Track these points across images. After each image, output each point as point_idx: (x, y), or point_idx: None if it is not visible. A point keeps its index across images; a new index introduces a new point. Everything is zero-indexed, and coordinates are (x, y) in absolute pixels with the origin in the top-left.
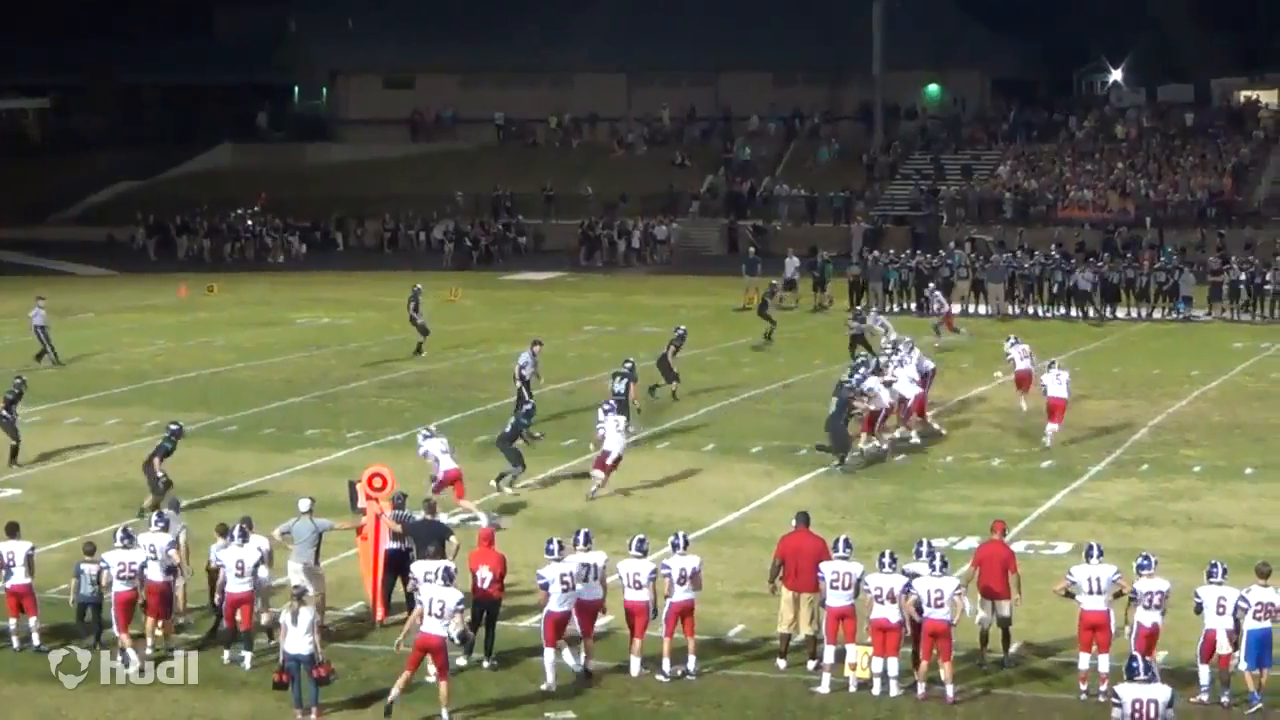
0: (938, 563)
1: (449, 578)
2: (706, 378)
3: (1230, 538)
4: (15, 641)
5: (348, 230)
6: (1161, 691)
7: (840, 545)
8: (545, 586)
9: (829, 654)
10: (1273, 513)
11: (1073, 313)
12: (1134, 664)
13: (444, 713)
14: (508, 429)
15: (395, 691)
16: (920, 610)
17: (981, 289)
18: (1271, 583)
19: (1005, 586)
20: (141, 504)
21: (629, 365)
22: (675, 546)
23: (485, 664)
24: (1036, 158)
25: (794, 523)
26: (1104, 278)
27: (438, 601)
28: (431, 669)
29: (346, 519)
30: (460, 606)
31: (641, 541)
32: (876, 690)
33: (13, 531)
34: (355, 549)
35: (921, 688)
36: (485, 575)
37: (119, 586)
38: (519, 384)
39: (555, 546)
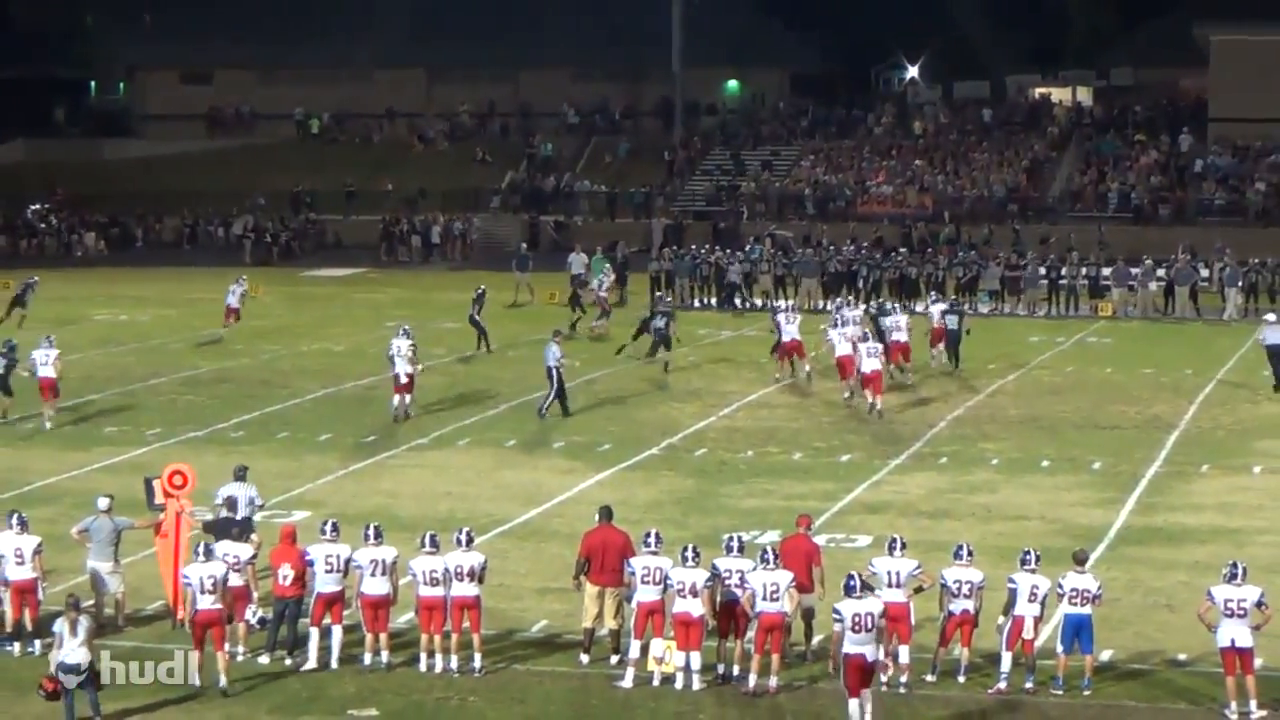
0: (770, 556)
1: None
2: (509, 373)
3: (1028, 529)
4: None
5: (147, 226)
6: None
7: (651, 540)
8: (311, 564)
9: (634, 649)
10: (1069, 504)
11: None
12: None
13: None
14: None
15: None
16: (753, 603)
17: (784, 284)
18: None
19: (810, 580)
20: None
21: None
22: (459, 543)
23: (288, 662)
24: (836, 154)
25: (597, 518)
26: (903, 273)
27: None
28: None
29: (145, 517)
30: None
31: (434, 537)
32: (680, 684)
33: None
34: (155, 547)
35: (753, 679)
36: (286, 573)
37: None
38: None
39: (329, 528)
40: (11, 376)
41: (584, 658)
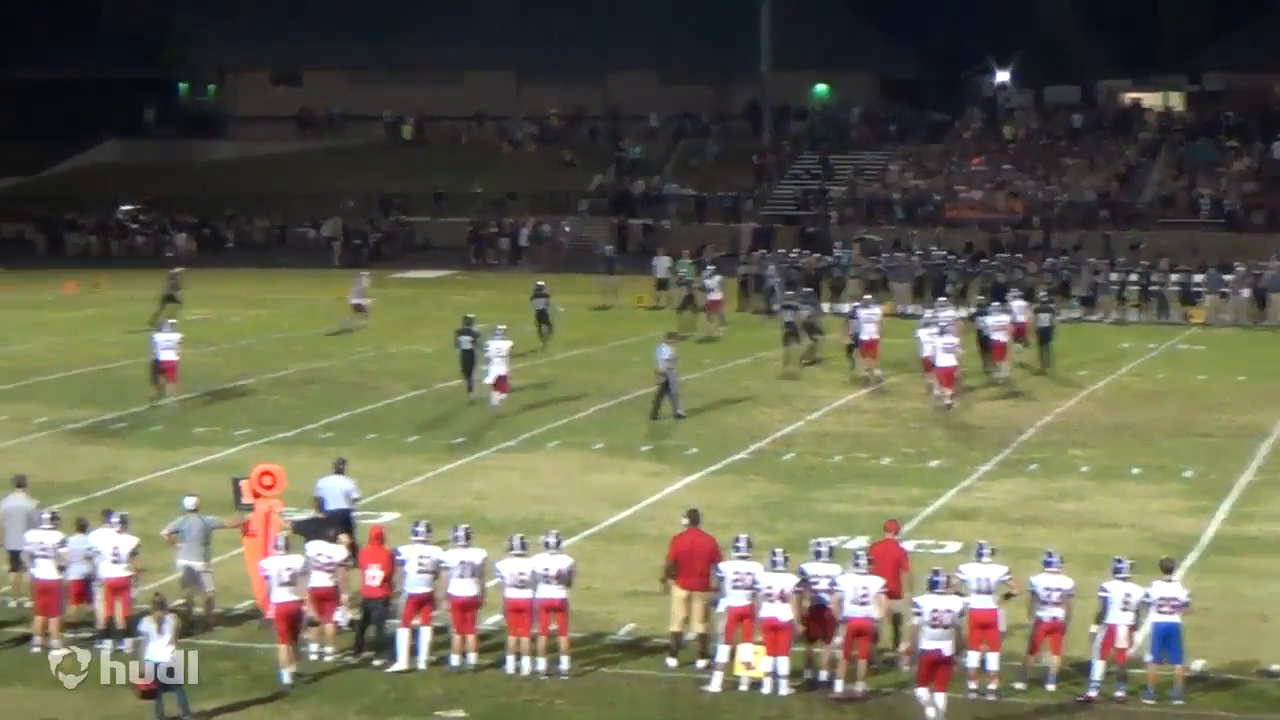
0: (863, 561)
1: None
2: (597, 376)
3: (1117, 537)
4: None
5: (237, 227)
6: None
7: (741, 544)
8: (402, 565)
9: (722, 653)
10: (1159, 512)
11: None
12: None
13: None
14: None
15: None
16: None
17: (877, 289)
18: (1175, 578)
19: (899, 586)
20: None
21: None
22: (547, 546)
23: (376, 663)
24: (925, 158)
25: (685, 522)
26: (993, 279)
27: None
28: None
29: (234, 516)
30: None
31: (521, 540)
32: (767, 689)
33: None
34: (243, 547)
35: (840, 685)
36: (375, 574)
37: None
38: (663, 377)
39: (421, 529)
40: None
41: (671, 661)
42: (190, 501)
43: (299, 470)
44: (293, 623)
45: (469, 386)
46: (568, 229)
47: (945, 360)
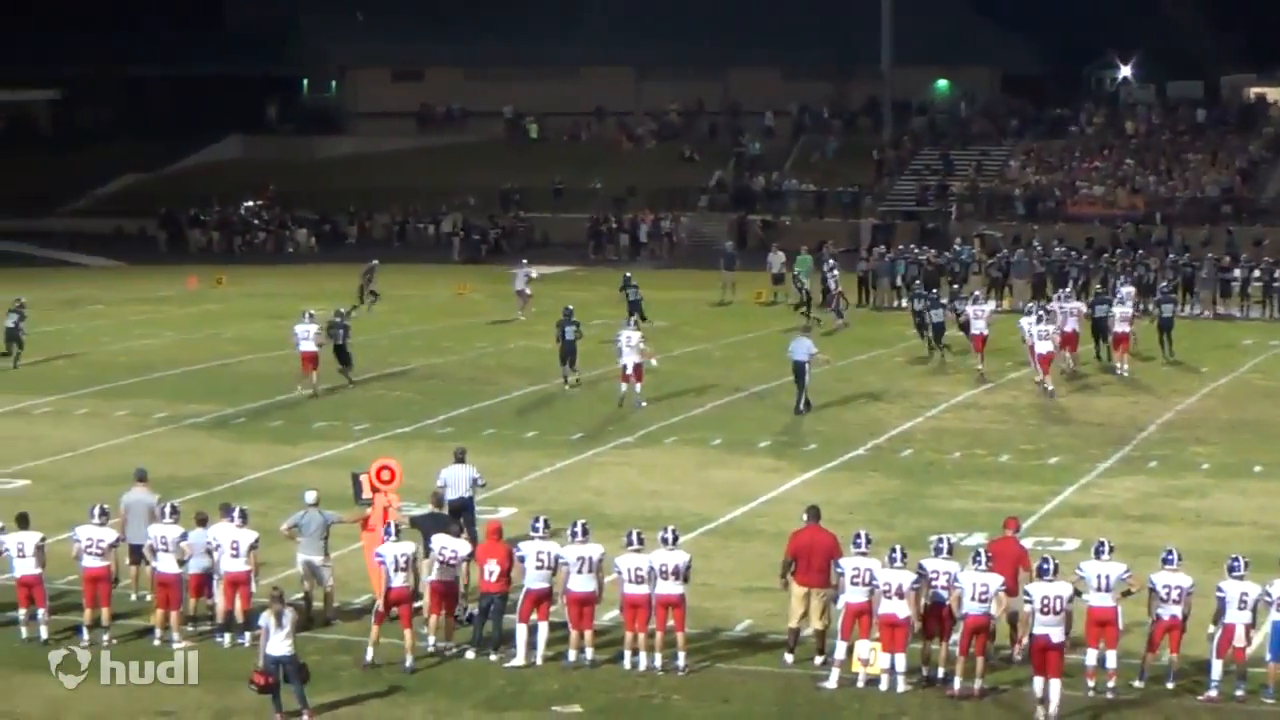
0: (983, 558)
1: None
2: (714, 372)
3: (1239, 535)
4: (24, 632)
5: (358, 223)
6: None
7: (861, 540)
8: (521, 560)
9: (839, 649)
10: None
11: None
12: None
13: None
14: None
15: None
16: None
17: (998, 285)
18: None
19: (1017, 583)
20: None
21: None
22: (664, 541)
23: (493, 657)
24: (1046, 154)
25: (804, 518)
26: (1113, 273)
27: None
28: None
29: (352, 511)
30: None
31: (639, 535)
32: (884, 686)
33: (23, 522)
34: (361, 542)
35: (958, 682)
36: (493, 569)
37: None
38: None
39: (540, 525)
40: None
41: (788, 658)
42: (311, 496)
43: (417, 465)
44: (407, 608)
45: (564, 376)
46: (687, 224)
47: (1043, 347)
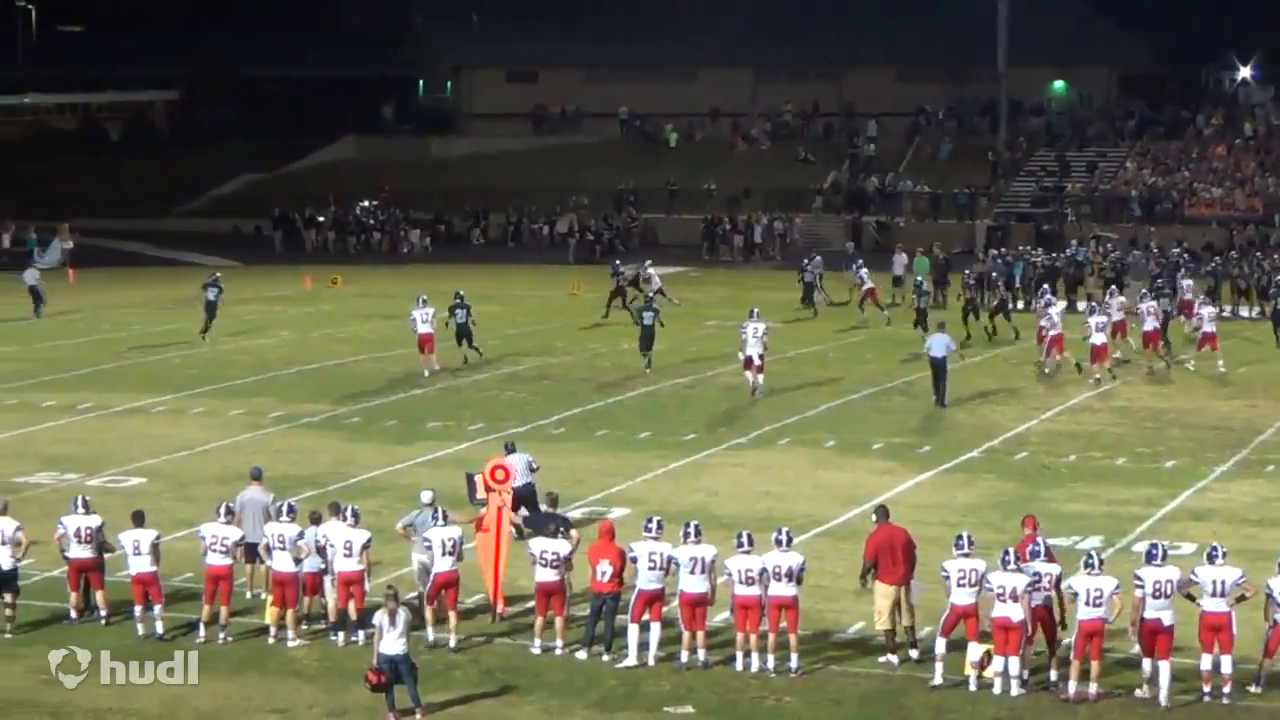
0: (1095, 562)
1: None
2: (828, 373)
3: None
4: (140, 628)
5: (473, 223)
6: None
7: (964, 542)
8: (634, 560)
9: (940, 645)
10: None
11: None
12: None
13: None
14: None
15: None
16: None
17: (1115, 287)
18: None
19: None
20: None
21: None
22: (778, 543)
23: (605, 658)
24: (1163, 155)
25: (874, 519)
26: (1226, 275)
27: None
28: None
29: (466, 511)
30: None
31: (750, 536)
32: (998, 690)
33: (139, 520)
34: (475, 542)
35: (1073, 686)
36: (605, 569)
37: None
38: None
39: (653, 525)
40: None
41: (893, 659)
42: (427, 495)
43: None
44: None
45: (647, 363)
46: (801, 225)
47: (1097, 339)
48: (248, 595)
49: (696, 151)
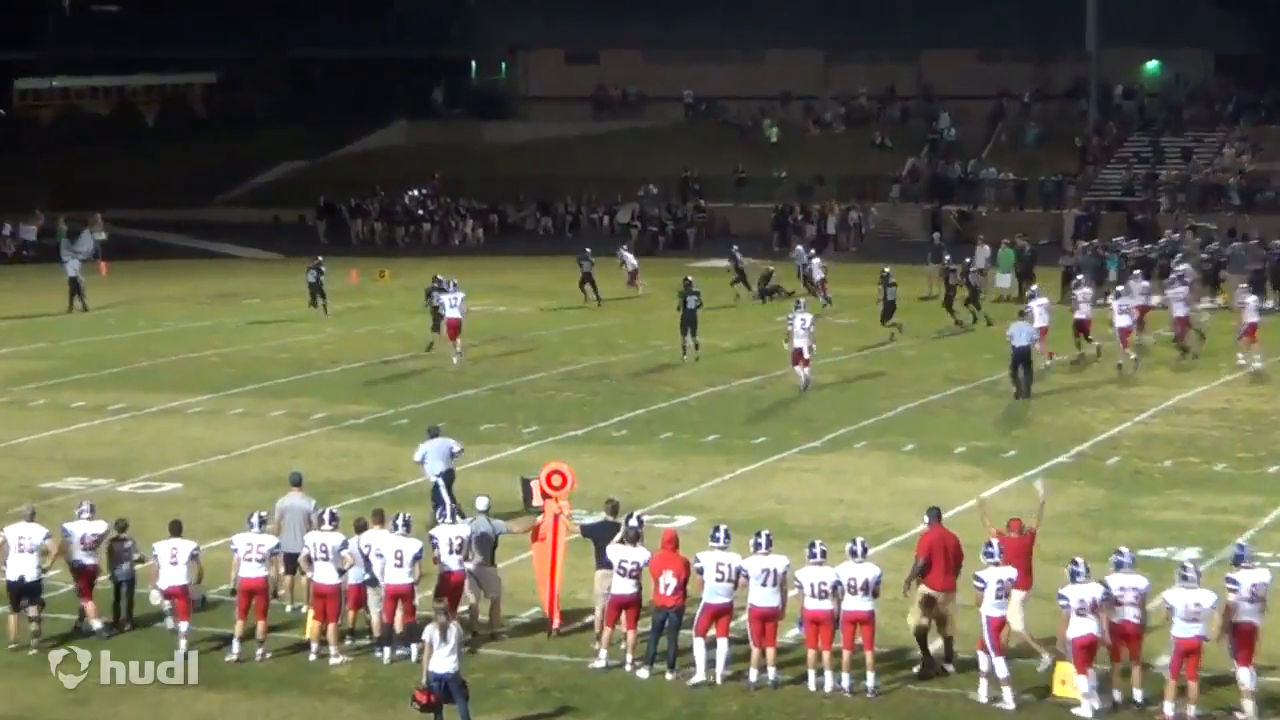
0: (1192, 573)
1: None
2: (909, 372)
3: None
4: (183, 645)
5: (528, 213)
6: None
7: (994, 550)
8: (700, 572)
9: (1001, 667)
10: None
11: None
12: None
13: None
14: None
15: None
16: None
17: (1214, 279)
18: None
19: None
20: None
21: None
22: (853, 554)
23: (669, 676)
24: (1264, 140)
25: (926, 520)
26: None
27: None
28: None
29: (522, 521)
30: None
31: (822, 548)
32: (1084, 712)
33: (176, 529)
34: (530, 552)
35: (1170, 707)
36: (668, 581)
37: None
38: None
39: (720, 534)
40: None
41: (948, 667)
42: (483, 502)
43: (589, 470)
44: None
45: (684, 347)
46: (877, 215)
47: (1121, 321)
48: (287, 609)
49: (765, 137)
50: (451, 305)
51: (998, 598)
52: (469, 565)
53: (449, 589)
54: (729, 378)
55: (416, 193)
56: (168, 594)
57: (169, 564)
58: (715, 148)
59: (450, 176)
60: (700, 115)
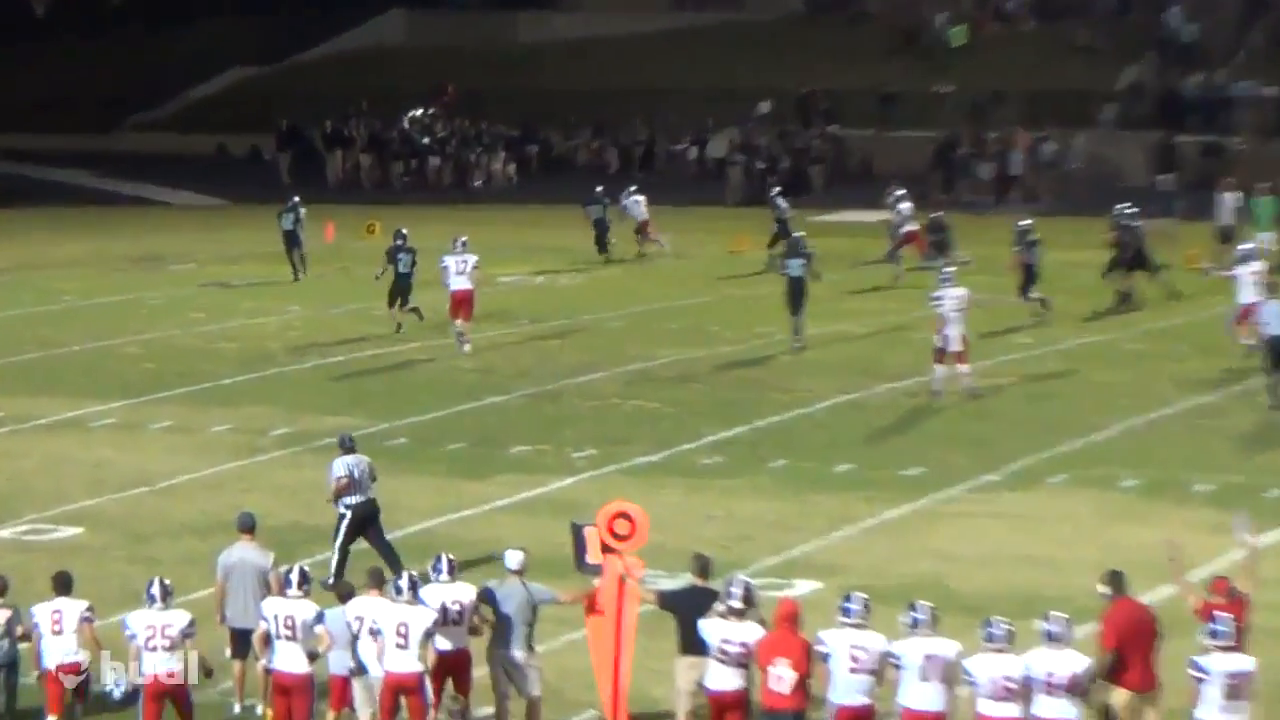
0: None
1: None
2: (1126, 375)
3: None
4: None
5: (580, 141)
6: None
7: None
8: (827, 659)
9: None
10: None
11: None
12: None
13: None
14: None
15: None
16: None
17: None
18: None
19: None
20: None
21: None
22: (1048, 636)
23: None
24: None
25: (1107, 591)
26: None
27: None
28: None
29: (573, 587)
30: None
31: (1007, 630)
32: None
33: (63, 585)
34: (585, 629)
35: None
36: (782, 674)
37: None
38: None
39: (857, 606)
40: None
41: None
42: (515, 559)
43: (669, 514)
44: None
45: (795, 328)
46: (1082, 148)
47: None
48: (235, 709)
49: (925, 36)
50: (458, 271)
51: (1227, 698)
52: (499, 649)
53: (450, 670)
54: (870, 381)
55: (420, 113)
56: (54, 676)
57: (52, 632)
58: (848, 52)
59: (469, 90)
60: (826, 4)
